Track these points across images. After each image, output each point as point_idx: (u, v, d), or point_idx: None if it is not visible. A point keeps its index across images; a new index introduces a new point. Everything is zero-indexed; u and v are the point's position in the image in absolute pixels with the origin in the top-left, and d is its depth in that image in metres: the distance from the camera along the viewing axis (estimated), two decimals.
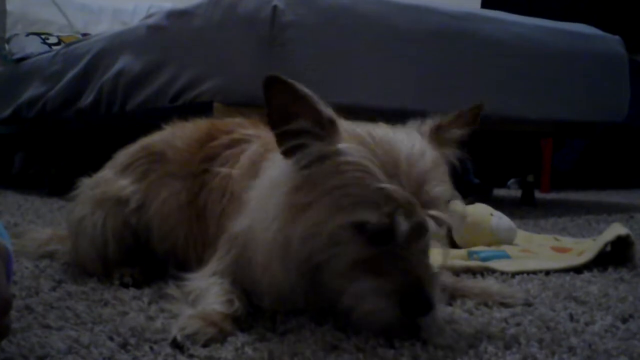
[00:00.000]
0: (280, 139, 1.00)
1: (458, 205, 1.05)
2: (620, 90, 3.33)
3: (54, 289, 1.27)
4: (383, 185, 0.93)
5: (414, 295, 0.92)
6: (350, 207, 0.94)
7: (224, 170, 1.26)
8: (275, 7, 2.21)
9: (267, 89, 0.98)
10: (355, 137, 0.98)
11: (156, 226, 1.36)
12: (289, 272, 1.01)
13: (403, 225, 0.93)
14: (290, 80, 0.97)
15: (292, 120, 0.98)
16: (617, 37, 3.38)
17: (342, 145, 0.97)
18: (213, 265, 1.15)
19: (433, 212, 0.95)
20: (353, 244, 0.96)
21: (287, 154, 1.01)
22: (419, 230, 0.96)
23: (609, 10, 5.45)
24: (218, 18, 2.43)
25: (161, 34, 2.75)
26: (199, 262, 1.21)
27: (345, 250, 0.96)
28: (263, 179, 1.10)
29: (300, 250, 0.99)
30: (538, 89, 3.00)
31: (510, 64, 2.88)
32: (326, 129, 0.98)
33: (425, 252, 1.01)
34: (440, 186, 0.98)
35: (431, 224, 0.95)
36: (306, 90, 0.98)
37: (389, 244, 0.95)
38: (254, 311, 1.08)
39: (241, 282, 1.11)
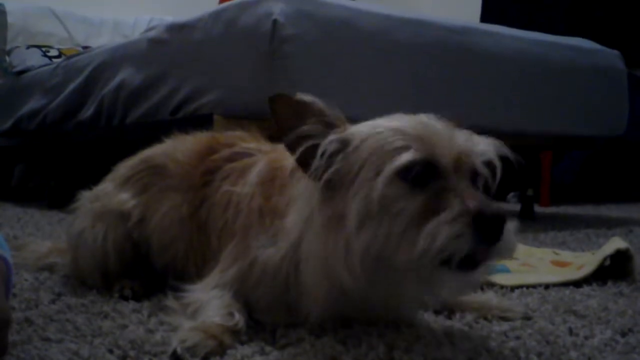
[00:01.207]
0: (292, 147, 1.00)
1: None
2: (619, 104, 3.34)
3: (53, 301, 1.27)
4: (412, 132, 0.96)
5: (484, 211, 0.88)
6: (386, 161, 0.94)
7: (227, 186, 1.26)
8: (275, 20, 2.22)
9: (272, 105, 0.99)
10: (365, 125, 1.01)
11: (156, 239, 1.36)
12: (352, 270, 0.96)
13: (444, 157, 0.94)
14: (288, 95, 0.99)
15: (300, 127, 0.99)
16: (616, 51, 3.39)
17: (354, 130, 1.00)
18: (215, 277, 1.15)
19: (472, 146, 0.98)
20: (404, 197, 0.93)
21: (301, 162, 1.00)
22: (462, 166, 0.96)
23: (608, 24, 5.47)
24: (219, 31, 2.44)
25: (162, 47, 2.76)
26: (199, 275, 1.21)
27: (398, 206, 0.93)
28: (290, 203, 1.08)
29: (357, 239, 0.95)
30: (537, 102, 3.01)
31: (509, 77, 2.89)
32: (335, 127, 1.00)
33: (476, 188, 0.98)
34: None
35: (475, 154, 0.97)
36: (309, 98, 0.99)
37: (436, 182, 0.93)
38: (254, 324, 1.08)
39: (243, 295, 1.11)
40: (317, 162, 0.98)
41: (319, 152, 0.98)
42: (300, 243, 1.03)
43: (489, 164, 1.02)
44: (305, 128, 0.99)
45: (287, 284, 1.07)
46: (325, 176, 0.98)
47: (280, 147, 1.22)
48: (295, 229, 1.04)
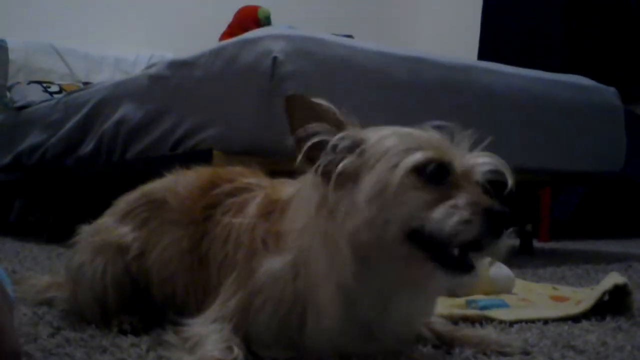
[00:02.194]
0: (300, 142, 1.04)
1: None
2: (617, 141, 3.37)
3: (52, 335, 1.27)
4: (424, 137, 1.04)
5: (493, 207, 0.98)
6: (403, 158, 1.00)
7: (227, 219, 1.27)
8: (275, 58, 2.25)
9: (288, 104, 1.05)
10: (377, 129, 1.07)
11: (156, 272, 1.36)
12: (357, 255, 1.01)
13: (455, 161, 1.01)
14: (307, 95, 1.05)
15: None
16: (612, 88, 3.42)
17: (368, 131, 1.06)
18: (214, 311, 1.15)
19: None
20: (419, 188, 0.99)
21: (311, 159, 1.04)
22: (471, 173, 1.04)
23: (603, 61, 5.52)
24: (219, 69, 2.46)
25: (162, 84, 2.79)
26: (199, 309, 1.21)
27: (413, 195, 0.99)
28: (292, 213, 1.11)
29: (366, 225, 0.99)
30: (536, 139, 3.03)
31: (508, 114, 2.91)
32: (347, 127, 1.05)
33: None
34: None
35: (482, 164, 1.05)
36: (324, 101, 1.05)
37: (448, 182, 1.01)
38: (253, 358, 1.08)
39: (243, 327, 1.11)
40: (326, 156, 1.03)
41: (329, 145, 1.03)
42: (304, 243, 1.06)
43: (496, 174, 1.08)
44: (316, 125, 1.04)
45: (294, 293, 1.07)
46: (338, 169, 1.02)
47: (278, 182, 1.24)
48: (299, 227, 1.07)
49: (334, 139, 1.04)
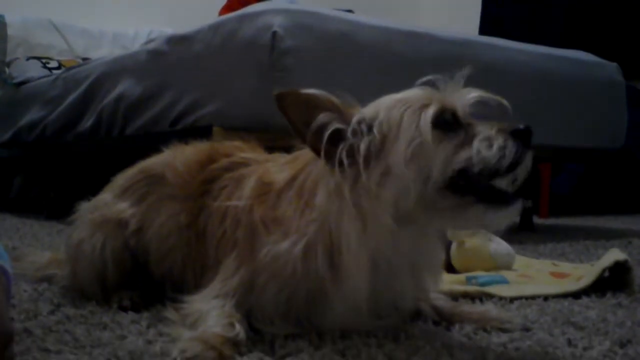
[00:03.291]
0: (314, 142, 1.05)
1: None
2: (618, 116, 3.35)
3: (52, 312, 1.27)
4: (425, 94, 1.08)
5: (517, 127, 1.06)
6: (419, 116, 1.04)
7: (224, 197, 1.26)
8: (275, 33, 2.23)
9: (280, 102, 1.04)
10: (377, 102, 1.11)
11: (154, 247, 1.36)
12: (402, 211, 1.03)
13: (459, 106, 1.08)
14: (296, 90, 1.05)
15: (313, 119, 1.03)
16: (614, 64, 3.41)
17: (371, 107, 1.09)
18: (216, 287, 1.15)
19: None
20: (442, 138, 1.04)
21: (327, 154, 1.04)
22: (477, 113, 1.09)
23: (606, 37, 5.49)
24: (218, 43, 2.45)
25: (161, 59, 2.77)
26: (197, 285, 1.21)
27: (441, 146, 1.03)
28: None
29: (404, 180, 1.02)
30: (537, 114, 3.01)
31: (508, 89, 2.86)
32: (349, 111, 1.06)
33: None
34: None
35: (491, 98, 1.12)
36: (316, 91, 1.05)
37: (462, 127, 1.06)
38: (253, 334, 1.08)
39: (246, 304, 1.11)
40: (347, 142, 1.04)
41: (349, 132, 1.04)
42: (330, 229, 1.06)
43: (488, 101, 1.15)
44: (322, 117, 1.04)
45: (305, 272, 1.07)
46: (361, 153, 1.03)
47: (275, 157, 1.23)
48: (321, 212, 1.07)
49: (353, 124, 1.04)
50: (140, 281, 1.39)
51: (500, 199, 1.04)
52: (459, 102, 1.09)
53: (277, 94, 1.04)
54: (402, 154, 1.01)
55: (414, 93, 1.10)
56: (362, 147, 1.03)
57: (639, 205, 5.11)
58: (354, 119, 1.05)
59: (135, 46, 3.95)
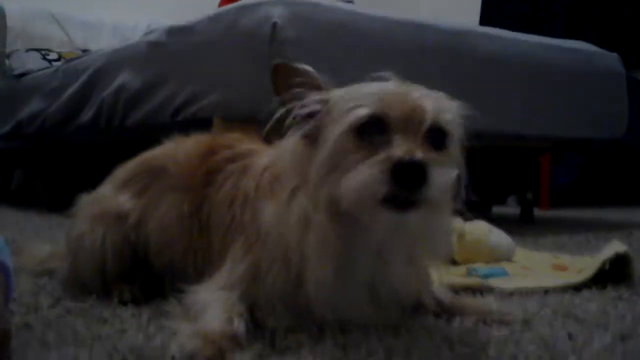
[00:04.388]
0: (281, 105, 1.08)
1: (457, 222, 1.08)
2: (619, 107, 3.34)
3: (53, 305, 1.27)
4: (373, 92, 1.04)
5: (405, 161, 0.94)
6: (345, 119, 1.01)
7: (231, 182, 1.27)
8: (274, 23, 2.23)
9: (273, 72, 1.09)
10: (345, 88, 1.09)
11: (155, 239, 1.36)
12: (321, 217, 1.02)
13: (394, 113, 1.00)
14: (290, 63, 1.10)
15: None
16: (615, 54, 3.40)
17: (334, 93, 1.08)
18: (221, 277, 1.15)
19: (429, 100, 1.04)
20: (352, 149, 0.99)
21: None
22: (413, 121, 1.01)
23: (607, 27, 5.47)
24: (218, 35, 2.44)
25: (161, 50, 2.77)
26: (198, 276, 1.21)
27: (347, 158, 0.99)
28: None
29: (319, 190, 1.02)
30: (536, 105, 3.01)
31: (508, 80, 2.89)
32: (321, 90, 1.08)
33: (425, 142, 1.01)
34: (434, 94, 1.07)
35: (427, 111, 1.01)
36: (305, 66, 1.09)
37: (382, 136, 0.99)
38: (254, 328, 1.08)
39: (251, 294, 1.11)
40: (297, 119, 1.07)
41: (301, 110, 1.07)
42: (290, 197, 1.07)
43: (440, 121, 1.05)
44: (295, 90, 1.07)
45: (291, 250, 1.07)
46: (303, 132, 1.06)
47: (275, 148, 1.23)
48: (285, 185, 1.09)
49: (305, 102, 1.07)
50: (141, 274, 1.39)
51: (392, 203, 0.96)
52: (399, 108, 1.01)
53: (274, 65, 1.09)
54: (320, 153, 1.02)
55: (371, 87, 1.07)
56: (302, 130, 1.06)
57: (639, 197, 5.11)
58: (309, 99, 1.07)
59: (135, 38, 3.94)
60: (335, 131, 1.02)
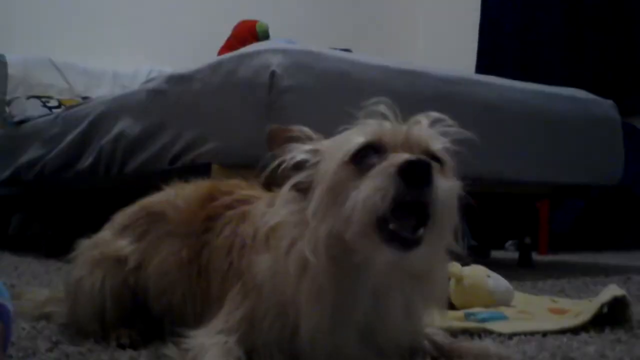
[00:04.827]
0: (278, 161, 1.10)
1: (455, 267, 1.08)
2: (615, 153, 3.37)
3: (51, 349, 1.27)
4: (366, 127, 1.06)
5: (412, 163, 0.95)
6: (338, 154, 1.03)
7: (230, 228, 1.27)
8: (273, 72, 2.25)
9: (267, 136, 1.13)
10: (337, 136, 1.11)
11: (154, 284, 1.36)
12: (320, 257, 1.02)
13: (389, 139, 1.03)
14: (280, 126, 1.13)
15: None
16: (610, 101, 3.44)
17: (325, 141, 1.11)
18: (219, 322, 1.15)
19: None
20: (352, 178, 1.00)
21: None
22: (409, 145, 1.03)
23: (602, 74, 5.54)
24: (217, 82, 2.47)
25: (161, 98, 2.79)
26: (197, 321, 1.21)
27: (348, 187, 0.99)
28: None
29: (319, 227, 1.02)
30: (534, 152, 3.03)
31: (506, 127, 2.92)
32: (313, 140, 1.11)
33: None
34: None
35: (421, 134, 1.05)
36: (298, 127, 1.12)
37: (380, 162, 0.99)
38: None
39: (249, 338, 1.10)
40: (287, 170, 1.08)
41: (293, 161, 1.08)
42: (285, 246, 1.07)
43: (434, 147, 1.07)
44: (288, 147, 1.10)
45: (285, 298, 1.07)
46: (296, 183, 1.07)
47: (274, 194, 1.24)
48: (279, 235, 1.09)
49: (296, 154, 1.09)
50: (140, 319, 1.39)
51: (394, 241, 0.96)
52: (393, 135, 1.04)
53: (268, 130, 1.12)
54: (318, 193, 1.03)
55: (363, 127, 1.08)
56: (295, 179, 1.07)
57: (637, 241, 5.10)
58: (299, 150, 1.09)
59: (135, 85, 3.98)
60: (331, 165, 1.03)
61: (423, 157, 0.97)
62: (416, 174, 0.95)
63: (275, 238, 1.10)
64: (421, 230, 0.96)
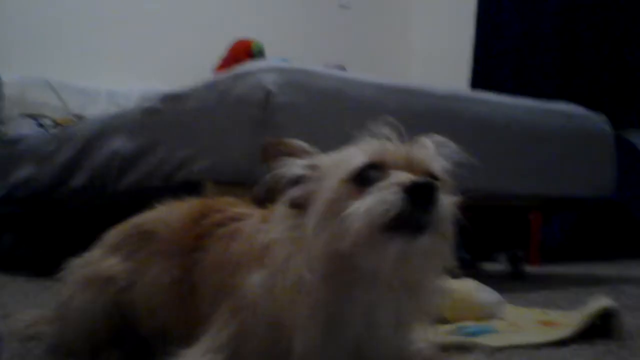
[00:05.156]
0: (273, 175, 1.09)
1: (445, 280, 1.08)
2: (607, 166, 3.39)
3: None
4: (367, 146, 1.06)
5: (419, 184, 0.96)
6: (338, 170, 1.03)
7: (221, 248, 1.27)
8: (268, 91, 2.27)
9: (263, 149, 1.11)
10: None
11: (145, 302, 1.36)
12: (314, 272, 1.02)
13: (391, 158, 1.02)
14: (276, 140, 1.12)
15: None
16: (602, 115, 3.46)
17: (324, 157, 1.10)
18: (208, 341, 1.14)
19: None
20: (352, 196, 1.00)
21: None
22: (410, 164, 1.03)
23: (594, 88, 5.57)
24: (212, 101, 2.48)
25: (155, 117, 2.80)
26: (188, 339, 1.21)
27: (347, 204, 0.99)
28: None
29: (315, 241, 1.02)
30: (526, 165, 3.05)
31: (499, 142, 2.94)
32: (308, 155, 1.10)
33: None
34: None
35: (422, 154, 1.06)
36: (293, 140, 1.11)
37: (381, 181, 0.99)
38: None
39: (240, 357, 1.10)
40: (282, 184, 1.08)
41: (289, 176, 1.08)
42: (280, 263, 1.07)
43: (433, 168, 1.08)
44: (285, 162, 1.09)
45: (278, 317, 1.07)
46: (292, 198, 1.06)
47: (267, 211, 1.24)
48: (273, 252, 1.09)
49: (292, 169, 1.08)
50: (130, 338, 1.38)
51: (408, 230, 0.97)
52: (395, 154, 1.05)
53: (264, 143, 1.11)
54: (317, 207, 1.03)
55: (364, 145, 1.09)
56: (291, 193, 1.07)
57: (629, 252, 5.12)
58: (294, 165, 1.09)
59: (130, 104, 3.99)
60: (331, 182, 1.03)
61: (429, 179, 0.98)
62: (423, 195, 0.96)
63: (270, 254, 1.09)
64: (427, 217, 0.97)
